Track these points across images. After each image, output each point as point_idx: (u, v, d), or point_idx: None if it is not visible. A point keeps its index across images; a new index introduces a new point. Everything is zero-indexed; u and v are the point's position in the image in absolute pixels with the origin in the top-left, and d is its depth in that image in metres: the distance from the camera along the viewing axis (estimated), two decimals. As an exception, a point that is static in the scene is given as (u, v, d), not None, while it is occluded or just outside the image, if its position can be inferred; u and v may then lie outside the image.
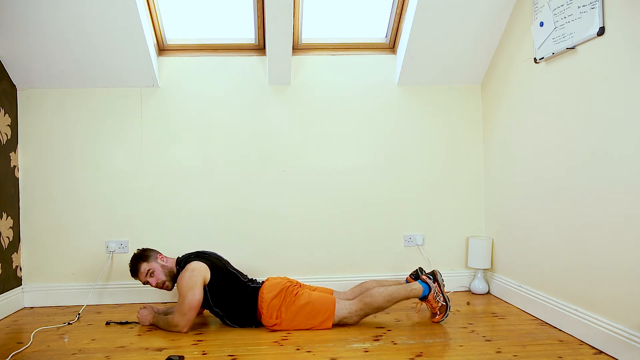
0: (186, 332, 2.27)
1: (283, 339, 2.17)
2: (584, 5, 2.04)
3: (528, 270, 2.55)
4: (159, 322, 2.34)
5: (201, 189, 2.92)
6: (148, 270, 2.36)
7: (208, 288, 2.30)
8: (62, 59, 2.69)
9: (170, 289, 2.43)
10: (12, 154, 2.76)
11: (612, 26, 1.92)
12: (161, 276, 2.37)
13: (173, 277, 2.40)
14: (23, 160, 2.84)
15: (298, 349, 2.04)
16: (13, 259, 2.74)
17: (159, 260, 2.39)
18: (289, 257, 2.97)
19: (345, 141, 3.01)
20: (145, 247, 2.48)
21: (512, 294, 2.70)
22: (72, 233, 2.85)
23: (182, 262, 2.38)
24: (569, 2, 2.13)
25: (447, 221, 3.07)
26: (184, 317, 2.23)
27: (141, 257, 2.39)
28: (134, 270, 2.38)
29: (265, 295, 2.31)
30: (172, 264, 2.42)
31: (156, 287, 2.38)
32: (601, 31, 1.96)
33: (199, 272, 2.27)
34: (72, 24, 2.53)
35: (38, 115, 2.85)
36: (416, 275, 2.56)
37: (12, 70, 2.73)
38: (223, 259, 2.49)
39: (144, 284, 2.41)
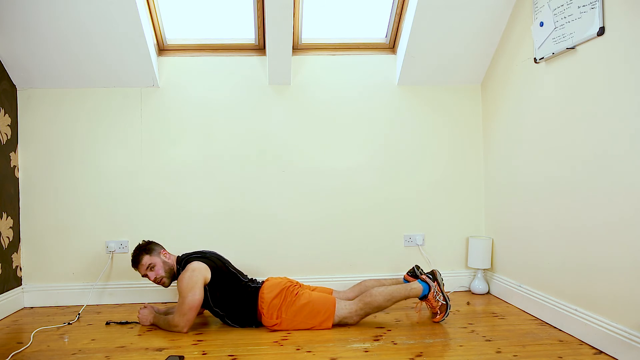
0: (186, 332, 2.27)
1: (283, 339, 2.17)
2: (584, 5, 2.04)
3: (528, 270, 2.55)
4: (159, 322, 2.34)
5: (201, 188, 2.92)
6: (149, 263, 2.36)
7: (208, 288, 2.30)
8: (62, 59, 2.70)
9: (167, 286, 2.42)
10: (12, 154, 2.76)
11: (612, 26, 1.92)
12: (161, 272, 2.37)
13: (172, 275, 2.41)
14: (23, 160, 2.84)
15: (298, 349, 2.04)
16: (13, 259, 2.74)
17: (161, 256, 2.40)
18: (288, 257, 2.97)
19: (345, 141, 3.01)
20: (150, 240, 2.48)
21: (512, 294, 2.70)
22: (72, 233, 2.85)
23: (183, 261, 2.38)
24: (569, 2, 2.13)
25: (447, 221, 3.07)
26: (184, 318, 2.23)
27: (145, 249, 2.39)
28: (136, 261, 2.38)
29: (265, 295, 2.31)
30: (173, 262, 2.42)
31: (154, 281, 2.38)
32: (601, 31, 1.96)
33: (199, 272, 2.27)
34: (72, 24, 2.53)
35: (38, 115, 2.85)
36: (413, 273, 2.57)
37: (12, 70, 2.73)
38: (223, 258, 2.49)
39: (142, 276, 2.40)
